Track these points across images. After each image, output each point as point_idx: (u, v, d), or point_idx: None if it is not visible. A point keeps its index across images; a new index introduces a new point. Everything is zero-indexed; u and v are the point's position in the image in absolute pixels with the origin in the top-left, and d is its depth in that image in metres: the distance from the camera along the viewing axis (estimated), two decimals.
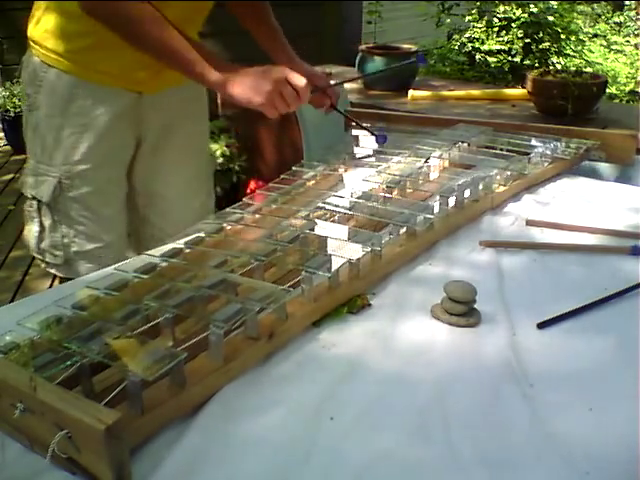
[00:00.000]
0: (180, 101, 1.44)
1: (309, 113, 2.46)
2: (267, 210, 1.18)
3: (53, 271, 1.46)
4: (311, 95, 1.42)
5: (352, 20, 5.19)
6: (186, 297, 0.84)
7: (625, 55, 6.33)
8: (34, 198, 1.41)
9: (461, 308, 0.92)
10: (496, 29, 4.86)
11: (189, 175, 1.56)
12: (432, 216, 1.14)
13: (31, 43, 1.36)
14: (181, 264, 0.96)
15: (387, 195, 1.23)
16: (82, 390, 0.73)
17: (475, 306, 0.93)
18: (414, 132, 1.62)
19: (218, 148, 3.34)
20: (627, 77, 5.67)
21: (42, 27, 1.32)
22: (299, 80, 1.21)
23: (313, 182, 1.34)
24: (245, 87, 1.20)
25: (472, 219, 1.26)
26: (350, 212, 1.15)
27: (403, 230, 1.10)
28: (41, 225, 1.42)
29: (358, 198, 1.20)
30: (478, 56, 4.90)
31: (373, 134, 1.56)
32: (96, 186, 1.39)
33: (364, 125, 1.58)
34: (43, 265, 1.47)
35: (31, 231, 1.44)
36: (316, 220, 1.10)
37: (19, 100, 4.44)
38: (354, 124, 1.59)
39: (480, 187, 1.29)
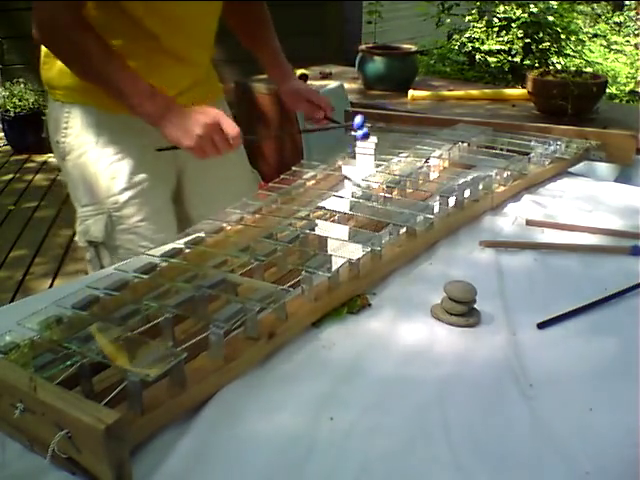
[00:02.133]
0: None
1: None
2: (267, 210, 1.18)
3: None
4: (307, 107, 1.50)
5: (352, 20, 5.19)
6: (186, 297, 0.84)
7: (625, 55, 6.34)
8: (90, 243, 1.37)
9: (461, 308, 0.92)
10: (496, 29, 4.87)
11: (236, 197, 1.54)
12: (432, 216, 1.14)
13: (48, 89, 1.35)
14: (181, 264, 0.96)
15: (387, 195, 1.23)
16: (82, 390, 0.73)
17: (475, 306, 0.93)
18: (414, 132, 1.62)
19: None
20: (627, 77, 5.67)
21: (56, 69, 1.30)
22: (232, 128, 1.19)
23: (313, 182, 1.34)
24: (176, 128, 1.17)
25: (472, 219, 1.26)
26: (350, 212, 1.15)
27: (403, 230, 1.10)
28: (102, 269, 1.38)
29: (358, 198, 1.20)
30: (478, 56, 4.91)
31: (354, 131, 1.47)
32: (145, 213, 1.37)
33: (345, 124, 1.57)
34: None
35: None
36: (316, 220, 1.10)
37: (19, 100, 4.44)
38: (342, 126, 1.58)
39: (480, 187, 1.29)
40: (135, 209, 1.36)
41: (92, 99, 1.30)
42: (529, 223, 1.25)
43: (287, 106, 1.58)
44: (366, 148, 1.51)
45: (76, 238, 1.42)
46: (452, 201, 1.22)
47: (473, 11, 5.08)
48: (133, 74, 1.18)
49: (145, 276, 0.92)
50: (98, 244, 1.36)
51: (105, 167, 1.33)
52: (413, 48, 3.12)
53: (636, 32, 7.05)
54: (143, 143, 1.35)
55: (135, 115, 1.20)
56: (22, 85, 4.52)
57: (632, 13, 7.39)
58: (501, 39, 4.82)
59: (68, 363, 0.71)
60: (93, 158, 1.33)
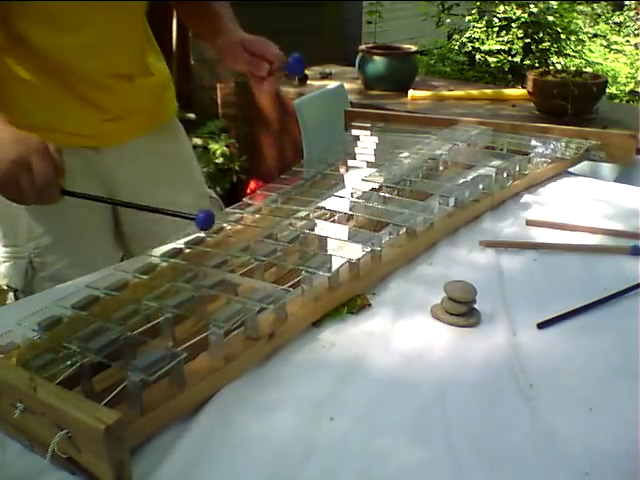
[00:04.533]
0: (151, 151, 1.24)
1: (309, 113, 2.46)
2: (267, 210, 1.18)
3: None
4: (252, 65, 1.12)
5: (352, 20, 5.19)
6: (186, 297, 0.84)
7: (625, 55, 6.34)
8: (9, 288, 1.21)
9: (461, 308, 0.92)
10: (496, 29, 4.88)
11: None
12: (432, 216, 1.14)
13: None
14: (181, 264, 0.96)
15: (387, 195, 1.23)
16: (82, 390, 0.73)
17: (475, 306, 0.93)
18: (414, 132, 1.62)
19: (218, 148, 3.34)
20: (627, 77, 5.68)
21: None
22: (41, 171, 0.90)
23: (313, 182, 1.34)
24: None
25: (472, 219, 1.26)
26: (350, 212, 1.15)
27: (403, 230, 1.10)
28: None
29: (358, 198, 1.20)
30: (478, 56, 4.91)
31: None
32: (72, 257, 1.21)
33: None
34: None
35: None
36: (316, 220, 1.10)
37: None
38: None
39: (480, 187, 1.29)
40: (60, 254, 1.19)
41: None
42: (529, 223, 1.25)
43: (225, 64, 1.19)
44: (366, 148, 1.51)
45: None
46: (452, 201, 1.22)
47: (473, 11, 5.09)
48: None
49: (145, 276, 0.92)
50: (17, 290, 1.20)
51: (24, 207, 1.13)
52: (413, 48, 3.12)
53: (636, 32, 7.05)
54: (71, 172, 1.15)
55: None
56: None
57: (632, 13, 7.39)
58: (501, 39, 4.82)
59: (68, 363, 0.71)
60: None
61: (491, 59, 4.83)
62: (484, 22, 4.92)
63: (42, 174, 0.90)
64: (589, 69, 4.99)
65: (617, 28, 7.26)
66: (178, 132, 1.39)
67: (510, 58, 4.80)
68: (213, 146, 3.35)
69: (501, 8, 4.85)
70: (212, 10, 1.24)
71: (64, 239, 1.20)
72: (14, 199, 0.95)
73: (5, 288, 1.23)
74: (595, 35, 6.75)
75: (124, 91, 1.20)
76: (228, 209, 1.16)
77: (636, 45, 6.63)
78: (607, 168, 1.65)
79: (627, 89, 5.40)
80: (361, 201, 1.18)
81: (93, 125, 1.17)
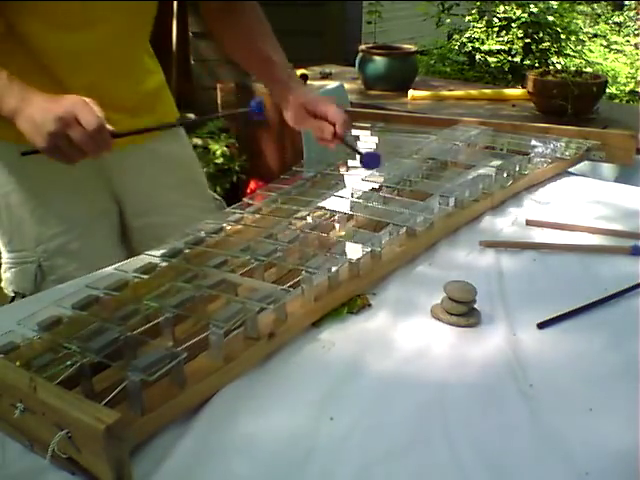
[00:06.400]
0: (155, 155, 1.23)
1: None
2: (267, 210, 1.18)
3: None
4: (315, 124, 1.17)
5: (352, 20, 5.18)
6: (186, 297, 0.84)
7: (625, 55, 6.34)
8: (17, 294, 1.21)
9: (461, 308, 0.92)
10: (496, 29, 4.88)
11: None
12: (432, 216, 1.14)
13: None
14: (181, 264, 0.96)
15: (387, 195, 1.23)
16: (82, 390, 0.73)
17: (475, 306, 0.93)
18: (414, 132, 1.62)
19: (218, 148, 3.34)
20: (627, 77, 5.68)
21: None
22: (90, 119, 0.92)
23: (313, 182, 1.34)
24: (30, 124, 0.93)
25: (472, 219, 1.26)
26: (350, 212, 1.15)
27: (403, 230, 1.10)
28: None
29: (358, 198, 1.20)
30: (478, 56, 4.91)
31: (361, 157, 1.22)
32: (82, 260, 1.20)
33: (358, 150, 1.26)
34: None
35: None
36: (316, 220, 1.10)
37: None
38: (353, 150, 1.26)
39: (480, 187, 1.29)
40: (69, 257, 1.20)
41: (6, 133, 1.05)
42: (529, 223, 1.25)
43: (291, 123, 1.26)
44: (366, 149, 1.51)
45: (2, 285, 1.24)
46: (452, 201, 1.22)
47: (473, 11, 5.09)
48: None
49: (145, 276, 0.92)
50: (25, 295, 1.20)
51: (31, 211, 1.17)
52: (413, 48, 3.12)
53: (636, 32, 7.05)
54: (75, 177, 1.17)
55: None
56: None
57: (632, 13, 7.39)
58: (501, 39, 4.83)
59: (68, 363, 0.71)
60: (17, 201, 1.17)
61: (491, 59, 4.84)
62: (484, 22, 4.93)
63: (91, 121, 0.92)
64: (589, 69, 4.99)
65: (617, 28, 7.26)
66: (180, 135, 1.38)
67: (510, 58, 4.80)
68: (213, 146, 3.35)
69: (501, 8, 4.86)
70: (276, 67, 1.24)
71: (71, 243, 1.21)
72: (67, 156, 0.94)
73: (12, 295, 1.22)
74: (595, 35, 6.75)
75: (125, 94, 1.19)
76: (228, 209, 1.16)
77: (636, 45, 6.63)
78: (607, 168, 1.65)
79: (627, 89, 5.40)
80: (361, 201, 1.18)
81: None
